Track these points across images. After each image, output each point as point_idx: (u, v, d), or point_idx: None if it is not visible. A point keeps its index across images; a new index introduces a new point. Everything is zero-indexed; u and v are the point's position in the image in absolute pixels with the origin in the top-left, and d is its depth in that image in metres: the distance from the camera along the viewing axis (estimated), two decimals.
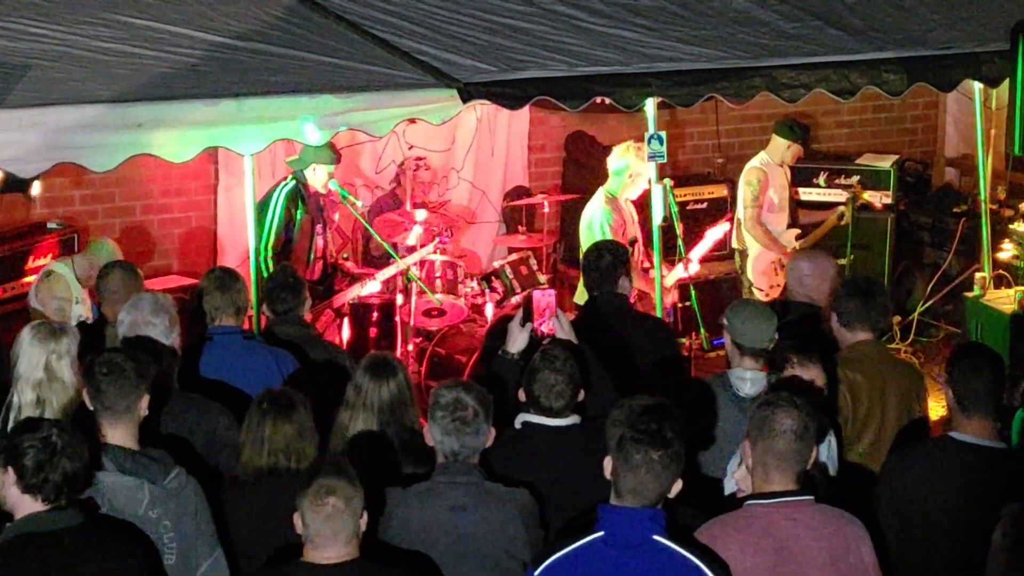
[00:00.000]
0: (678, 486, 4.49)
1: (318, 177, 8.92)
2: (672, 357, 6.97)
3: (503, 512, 4.91)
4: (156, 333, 5.75)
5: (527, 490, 5.00)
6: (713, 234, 9.67)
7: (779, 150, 9.85)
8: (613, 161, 9.06)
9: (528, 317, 5.90)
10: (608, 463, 4.50)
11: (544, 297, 5.93)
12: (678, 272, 9.13)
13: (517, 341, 5.93)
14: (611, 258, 6.92)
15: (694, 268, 9.29)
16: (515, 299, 9.63)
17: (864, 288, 6.33)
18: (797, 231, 9.91)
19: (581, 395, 5.43)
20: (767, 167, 9.79)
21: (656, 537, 4.38)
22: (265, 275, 7.99)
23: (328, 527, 4.35)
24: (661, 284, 8.52)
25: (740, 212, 9.87)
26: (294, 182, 8.86)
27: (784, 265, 9.56)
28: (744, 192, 9.79)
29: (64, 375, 5.45)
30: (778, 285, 9.79)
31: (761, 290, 9.84)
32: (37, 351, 5.46)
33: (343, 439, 5.47)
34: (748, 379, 5.90)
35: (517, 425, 5.44)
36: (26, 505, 4.39)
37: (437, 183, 10.77)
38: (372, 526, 4.65)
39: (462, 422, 4.93)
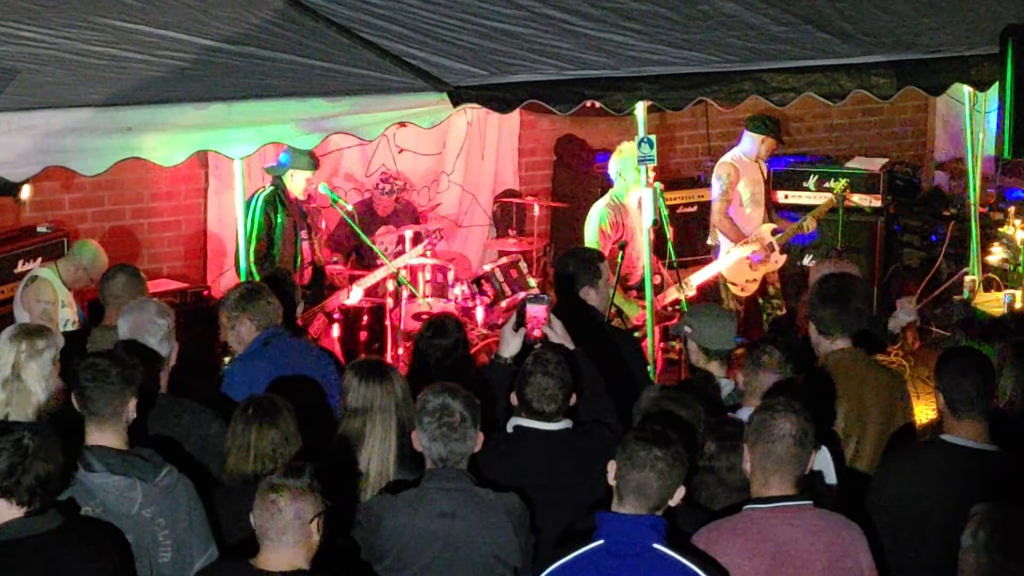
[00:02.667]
0: (680, 492, 4.50)
1: (296, 183, 8.91)
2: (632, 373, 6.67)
3: (492, 517, 4.90)
4: (155, 341, 5.75)
5: (516, 495, 4.99)
6: (738, 252, 9.69)
7: (753, 145, 9.90)
8: (610, 166, 9.16)
9: (521, 322, 5.89)
10: (612, 467, 4.50)
11: (537, 305, 5.90)
12: (673, 294, 9.14)
13: (510, 346, 5.92)
14: (574, 265, 6.75)
15: (691, 293, 9.29)
16: (504, 303, 9.63)
17: (838, 293, 6.20)
18: (773, 226, 9.94)
19: (573, 399, 5.43)
20: (738, 163, 9.88)
21: (656, 546, 4.38)
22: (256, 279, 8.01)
23: (272, 525, 4.32)
24: (654, 301, 8.50)
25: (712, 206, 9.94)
26: (272, 187, 8.86)
27: (762, 261, 9.66)
28: (714, 187, 9.90)
29: (28, 375, 5.45)
30: (753, 280, 9.83)
31: (735, 284, 9.88)
32: (7, 349, 5.50)
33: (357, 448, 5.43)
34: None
35: (509, 429, 5.44)
36: (2, 509, 4.39)
37: (417, 191, 10.74)
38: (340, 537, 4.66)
39: (449, 428, 4.92)
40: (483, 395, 5.27)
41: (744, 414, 5.31)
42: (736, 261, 9.78)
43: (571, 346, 5.89)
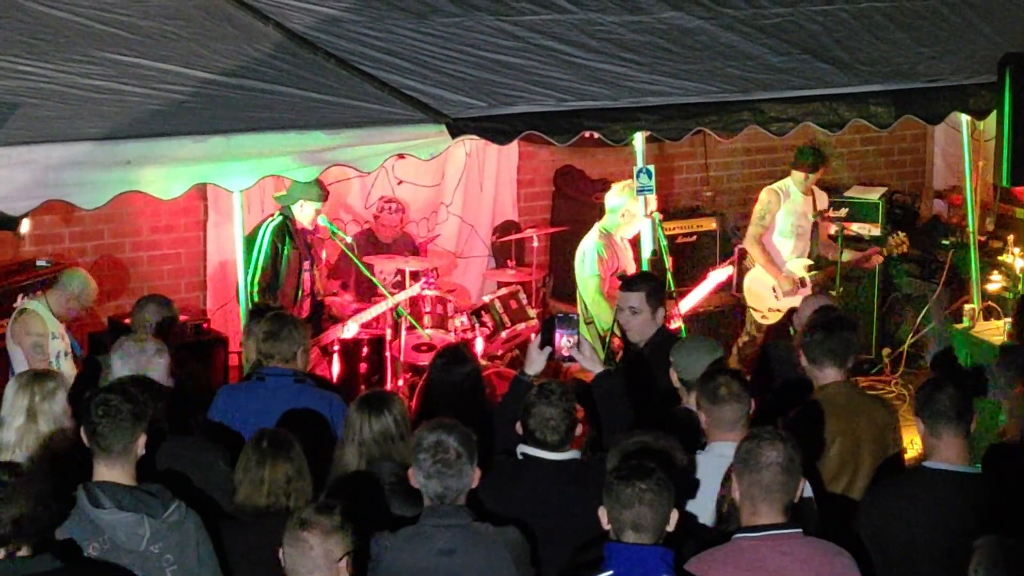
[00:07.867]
0: (675, 516, 4.48)
1: (305, 214, 8.92)
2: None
3: (493, 553, 4.85)
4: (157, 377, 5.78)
5: (516, 528, 4.95)
6: (716, 276, 9.68)
7: (797, 176, 9.92)
8: (610, 199, 9.17)
9: (547, 341, 5.86)
10: (602, 512, 4.48)
11: (566, 327, 5.85)
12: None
13: (534, 363, 5.90)
14: None
15: (677, 323, 9.27)
16: (504, 333, 9.62)
17: (826, 323, 6.23)
18: (809, 262, 9.91)
19: (579, 430, 5.41)
20: (782, 191, 9.87)
21: None
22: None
23: (302, 563, 4.31)
24: None
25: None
26: (281, 217, 8.86)
27: (789, 293, 9.63)
28: (754, 210, 9.89)
29: (42, 418, 5.46)
30: (776, 310, 9.77)
31: (757, 311, 9.85)
32: (20, 395, 5.52)
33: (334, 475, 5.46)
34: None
35: (518, 455, 5.43)
36: None
37: (416, 222, 10.74)
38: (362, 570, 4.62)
39: (444, 464, 4.87)
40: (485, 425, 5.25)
41: (718, 449, 5.32)
42: (761, 286, 9.76)
43: (599, 368, 5.85)
